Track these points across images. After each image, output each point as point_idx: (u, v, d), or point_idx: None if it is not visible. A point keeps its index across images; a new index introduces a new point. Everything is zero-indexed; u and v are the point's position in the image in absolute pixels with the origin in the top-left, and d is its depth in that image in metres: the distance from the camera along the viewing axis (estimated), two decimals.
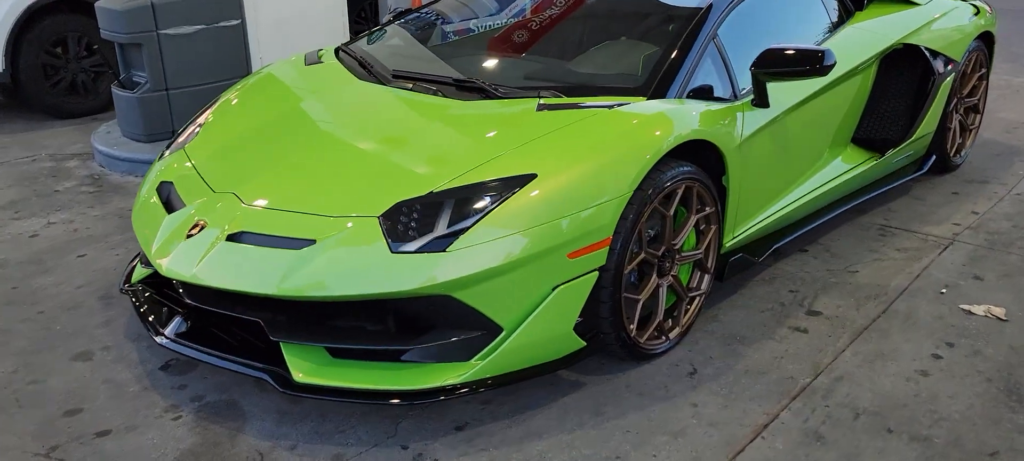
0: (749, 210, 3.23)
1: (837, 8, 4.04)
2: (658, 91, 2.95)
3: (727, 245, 3.16)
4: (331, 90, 3.35)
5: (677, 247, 2.88)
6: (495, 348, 2.42)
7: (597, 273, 2.53)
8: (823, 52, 3.02)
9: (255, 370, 2.48)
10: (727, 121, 2.99)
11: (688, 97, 3.02)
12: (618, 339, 2.70)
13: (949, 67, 4.27)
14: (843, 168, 3.85)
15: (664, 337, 2.89)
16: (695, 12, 3.27)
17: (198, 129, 3.24)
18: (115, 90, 5.36)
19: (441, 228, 2.38)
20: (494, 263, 2.34)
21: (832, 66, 3.03)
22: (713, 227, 3.02)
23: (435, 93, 3.08)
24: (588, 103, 2.86)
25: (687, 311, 3.01)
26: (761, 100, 3.14)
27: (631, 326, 2.73)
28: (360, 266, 2.36)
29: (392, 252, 2.35)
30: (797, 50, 3.04)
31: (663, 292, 2.87)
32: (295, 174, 2.77)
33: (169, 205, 2.81)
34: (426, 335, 2.43)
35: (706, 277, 3.07)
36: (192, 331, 2.64)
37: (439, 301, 2.35)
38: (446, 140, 2.79)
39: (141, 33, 5.07)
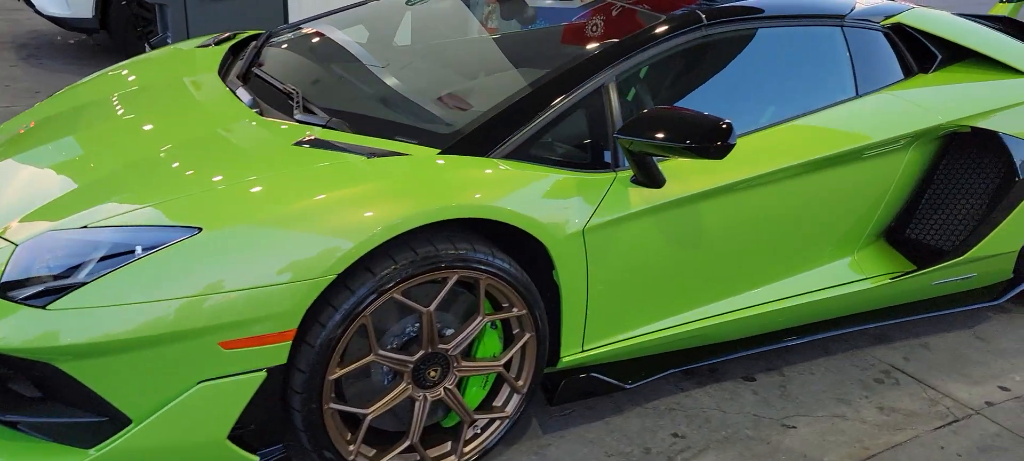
0: (614, 319, 2.41)
1: (881, 65, 2.98)
2: (471, 146, 2.22)
3: (566, 360, 2.37)
4: (160, 80, 2.89)
5: (455, 352, 2.16)
6: (115, 442, 1.89)
7: (264, 373, 1.91)
8: (722, 126, 2.13)
9: None
10: (563, 199, 2.20)
11: (532, 160, 2.26)
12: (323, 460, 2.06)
13: None
14: (839, 279, 2.85)
15: None
16: (592, 56, 2.46)
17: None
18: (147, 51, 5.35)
19: (83, 274, 1.88)
20: (113, 335, 1.81)
21: (727, 148, 2.13)
22: (528, 334, 2.25)
23: (254, 104, 2.53)
24: (361, 146, 2.19)
25: (475, 438, 2.28)
26: (646, 177, 2.29)
27: (350, 447, 2.08)
28: None
29: None
30: (682, 117, 2.18)
31: (421, 408, 2.17)
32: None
33: None
34: (41, 406, 1.95)
35: (516, 397, 2.32)
36: None
37: (45, 369, 1.86)
38: (179, 161, 2.23)
39: None
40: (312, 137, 2.23)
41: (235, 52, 3.16)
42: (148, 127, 2.48)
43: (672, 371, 2.63)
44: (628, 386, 2.50)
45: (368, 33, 3.22)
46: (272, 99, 2.54)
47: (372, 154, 2.13)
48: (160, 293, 1.82)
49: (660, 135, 2.15)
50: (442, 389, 2.19)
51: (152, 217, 1.93)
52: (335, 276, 1.89)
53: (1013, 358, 3.07)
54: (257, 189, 2.01)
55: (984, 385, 2.89)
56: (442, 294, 2.07)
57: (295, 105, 2.42)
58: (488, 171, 2.15)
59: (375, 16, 3.39)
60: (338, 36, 3.11)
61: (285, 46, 3.09)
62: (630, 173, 2.32)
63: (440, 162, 2.14)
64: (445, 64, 2.82)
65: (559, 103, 2.32)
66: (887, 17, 3.06)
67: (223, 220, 1.90)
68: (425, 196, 2.00)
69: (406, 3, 3.43)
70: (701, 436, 2.53)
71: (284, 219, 1.91)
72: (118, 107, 2.67)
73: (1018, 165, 2.93)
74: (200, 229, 1.88)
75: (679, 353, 2.68)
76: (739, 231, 2.56)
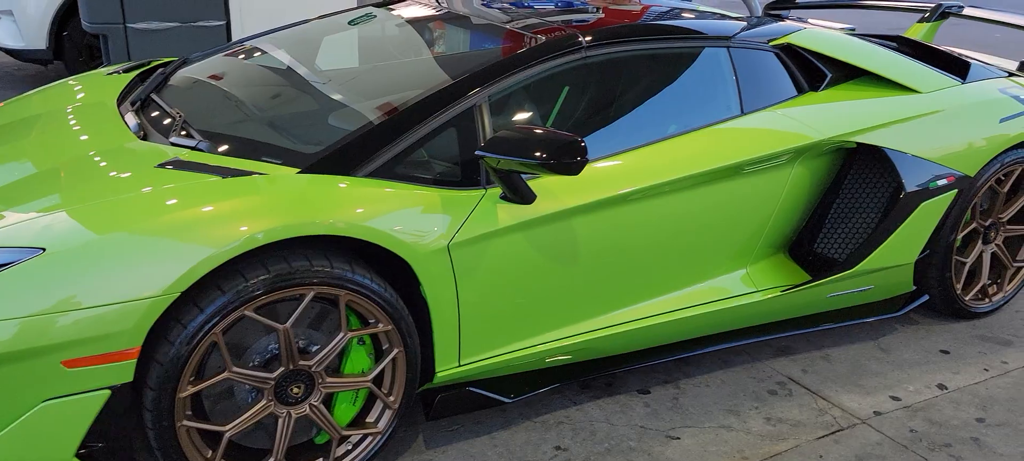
0: (490, 334, 2.44)
1: (769, 84, 3.04)
2: (333, 164, 2.25)
3: (442, 375, 2.40)
4: (58, 106, 2.92)
5: (319, 368, 2.19)
6: None
7: (108, 392, 1.93)
8: (571, 144, 2.18)
9: None
10: (426, 216, 2.24)
11: (398, 179, 2.30)
12: None
13: (947, 181, 3.10)
14: (730, 291, 2.88)
15: None
16: (465, 77, 2.50)
17: None
18: None
19: None
20: None
21: (580, 164, 2.18)
22: (396, 350, 2.28)
23: (139, 128, 2.57)
24: (220, 167, 2.22)
25: (347, 454, 2.30)
26: (514, 194, 2.34)
27: None
28: None
29: None
30: (537, 134, 2.23)
31: (285, 424, 2.19)
32: None
33: None
34: None
35: (388, 413, 2.34)
36: None
37: None
38: (44, 184, 2.26)
39: (107, 25, 5.03)
40: (175, 159, 2.27)
41: (143, 79, 3.20)
42: (27, 153, 2.51)
43: (559, 384, 2.66)
44: (509, 400, 2.53)
45: (287, 56, 3.23)
46: (158, 124, 2.59)
47: (227, 174, 2.17)
48: (5, 311, 1.84)
49: (515, 152, 2.19)
50: (308, 406, 2.21)
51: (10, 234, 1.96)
52: (178, 294, 1.91)
53: (911, 369, 3.11)
54: (106, 210, 2.04)
55: (876, 395, 2.92)
56: (298, 311, 2.10)
57: (173, 129, 2.46)
58: (345, 187, 2.19)
59: (301, 39, 3.39)
60: (243, 61, 3.16)
61: (193, 71, 3.13)
62: (500, 190, 2.36)
63: (297, 180, 2.18)
64: (338, 88, 2.86)
65: (428, 123, 2.37)
66: (776, 38, 3.14)
67: (67, 241, 1.93)
68: (274, 214, 2.03)
69: (348, 23, 3.46)
70: (584, 449, 2.56)
71: (126, 239, 1.95)
72: (6, 133, 2.71)
73: (903, 179, 2.99)
74: (43, 249, 1.91)
75: (568, 366, 2.71)
76: (618, 246, 2.59)
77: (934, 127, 3.13)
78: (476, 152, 2.29)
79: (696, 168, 2.68)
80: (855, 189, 3.07)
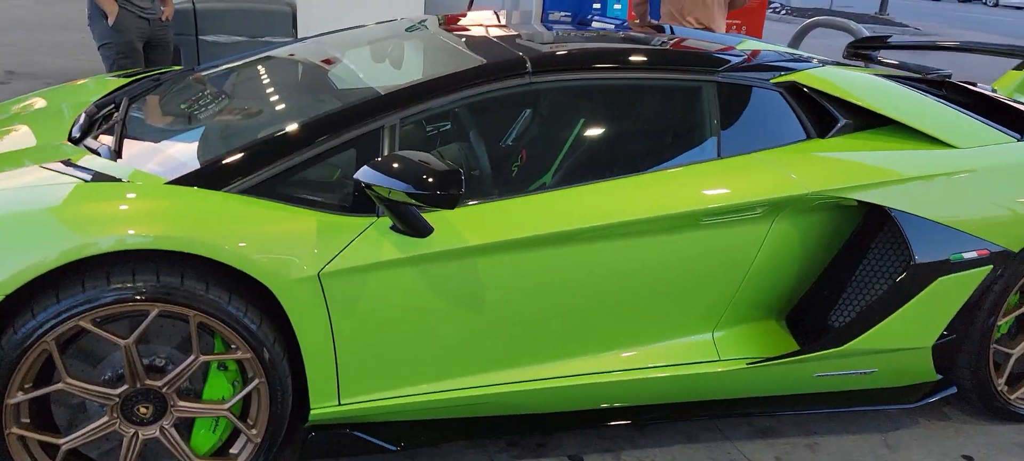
0: (377, 374, 2.25)
1: (761, 127, 2.68)
2: (204, 179, 2.14)
3: (319, 413, 2.23)
4: (52, 105, 3.02)
5: (169, 390, 2.08)
6: None
7: None
8: (440, 174, 1.97)
9: None
10: (297, 241, 2.08)
11: (278, 199, 2.16)
12: None
13: (978, 255, 2.62)
14: (685, 357, 2.55)
15: None
16: (377, 97, 2.34)
17: None
18: None
19: None
20: None
21: (452, 198, 1.96)
22: (257, 380, 2.14)
23: (79, 132, 2.59)
24: (100, 173, 2.17)
25: None
26: (405, 225, 2.15)
27: None
28: None
29: None
30: (412, 161, 2.03)
31: (131, 444, 2.09)
32: None
33: None
34: None
35: (250, 446, 2.20)
36: None
37: None
38: None
39: (180, 35, 5.26)
40: (66, 159, 2.25)
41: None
42: None
43: (470, 439, 2.43)
44: (394, 449, 2.32)
45: (289, 67, 3.15)
46: (95, 130, 2.60)
47: (99, 178, 2.12)
48: None
49: (386, 179, 2.01)
50: (158, 429, 2.11)
51: None
52: (3, 297, 1.86)
53: None
54: None
55: None
56: (142, 328, 2.00)
57: (91, 133, 2.46)
58: (207, 202, 2.08)
59: (320, 50, 3.29)
60: (229, 74, 3.14)
61: (177, 82, 3.15)
62: (382, 219, 2.18)
63: (158, 190, 2.09)
64: (280, 106, 2.77)
65: (320, 143, 2.23)
66: (780, 75, 2.77)
67: None
68: (121, 222, 1.95)
69: (406, 30, 3.35)
70: None
71: None
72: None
73: (912, 247, 2.53)
74: None
75: (489, 421, 2.47)
76: (541, 293, 2.33)
77: (965, 189, 2.65)
78: (355, 176, 2.12)
79: (639, 213, 2.37)
80: (857, 255, 2.64)
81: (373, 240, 2.15)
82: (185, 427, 2.17)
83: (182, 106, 2.88)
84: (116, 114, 2.63)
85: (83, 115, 2.73)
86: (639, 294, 2.44)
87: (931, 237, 2.56)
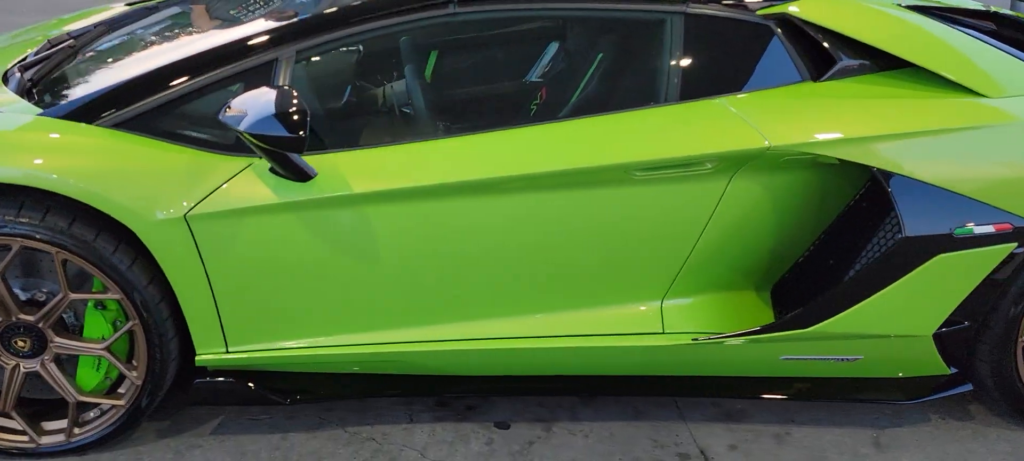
0: (264, 323, 2.13)
1: (736, 67, 2.30)
2: (80, 113, 2.05)
3: (204, 359, 2.15)
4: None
5: (44, 325, 2.06)
6: None
7: None
8: (286, 114, 1.78)
9: None
10: (163, 179, 1.97)
11: (157, 135, 2.05)
12: None
13: (996, 230, 2.15)
14: (625, 327, 2.27)
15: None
16: (266, 31, 2.16)
17: None
18: None
19: None
20: None
21: (296, 141, 1.77)
22: (131, 321, 2.07)
23: (14, 68, 2.56)
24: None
25: (89, 422, 2.16)
26: (283, 167, 1.99)
27: None
28: None
29: None
30: (264, 97, 1.85)
31: (11, 375, 2.09)
32: None
33: None
34: None
35: (133, 387, 2.15)
36: None
37: None
38: None
39: None
40: None
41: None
42: None
43: (373, 396, 2.29)
44: (284, 402, 2.21)
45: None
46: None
47: None
48: None
49: (237, 115, 1.85)
50: (39, 363, 2.10)
51: None
52: None
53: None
54: None
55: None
56: (6, 262, 1.98)
57: (15, 69, 2.44)
58: (69, 136, 1.99)
59: None
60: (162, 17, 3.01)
61: (121, 19, 3.04)
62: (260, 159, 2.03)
63: (17, 121, 2.03)
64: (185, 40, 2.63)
65: (205, 75, 2.09)
66: (770, 5, 2.35)
67: None
68: None
69: None
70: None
71: None
72: None
73: (902, 217, 2.10)
74: None
75: (406, 379, 2.32)
76: (436, 249, 2.12)
77: (986, 149, 2.17)
78: (218, 116, 1.97)
79: (563, 164, 2.09)
80: (847, 224, 2.24)
81: (249, 182, 2.02)
82: (72, 365, 2.16)
83: (113, 45, 2.79)
84: (54, 49, 2.60)
85: (34, 49, 2.73)
86: (557, 254, 2.17)
87: (929, 205, 2.12)
